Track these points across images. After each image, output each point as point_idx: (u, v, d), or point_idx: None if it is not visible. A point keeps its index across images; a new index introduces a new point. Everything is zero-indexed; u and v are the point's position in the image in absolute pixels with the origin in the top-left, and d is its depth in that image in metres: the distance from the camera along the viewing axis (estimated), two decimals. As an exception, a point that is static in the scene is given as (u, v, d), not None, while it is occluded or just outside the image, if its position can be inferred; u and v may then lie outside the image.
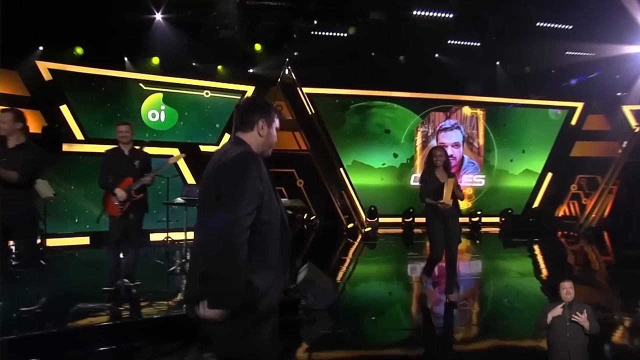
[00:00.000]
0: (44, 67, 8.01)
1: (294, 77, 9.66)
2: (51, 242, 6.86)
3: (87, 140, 8.21)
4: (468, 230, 10.61)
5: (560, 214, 11.46)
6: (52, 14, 7.43)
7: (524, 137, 11.34)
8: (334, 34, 9.89)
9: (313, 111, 10.30)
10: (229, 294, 1.77)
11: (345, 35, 9.87)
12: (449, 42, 10.27)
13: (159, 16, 8.73)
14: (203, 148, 8.90)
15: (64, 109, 8.12)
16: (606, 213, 10.80)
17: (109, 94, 8.51)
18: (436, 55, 10.34)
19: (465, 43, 10.42)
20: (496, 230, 10.67)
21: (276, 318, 2.01)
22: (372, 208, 10.35)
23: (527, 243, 9.13)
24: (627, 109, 11.05)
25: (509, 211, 10.92)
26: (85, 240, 7.29)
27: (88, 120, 8.32)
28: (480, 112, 11.19)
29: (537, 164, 11.49)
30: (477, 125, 11.19)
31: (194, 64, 9.42)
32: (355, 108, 10.62)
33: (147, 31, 8.76)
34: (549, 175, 11.53)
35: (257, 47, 9.60)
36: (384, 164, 10.76)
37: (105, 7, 7.97)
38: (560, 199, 11.45)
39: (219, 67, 9.74)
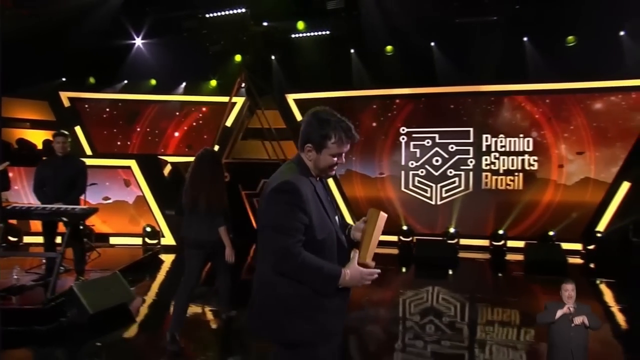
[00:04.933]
0: (65, 96, 9.90)
1: (252, 86, 9.34)
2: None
3: (95, 155, 9.72)
4: (487, 256, 8.38)
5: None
6: (71, 51, 9.15)
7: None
8: (317, 33, 9.28)
9: (301, 118, 9.78)
10: (325, 285, 1.86)
11: (328, 32, 9.15)
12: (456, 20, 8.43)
13: (139, 41, 9.73)
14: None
15: (78, 129, 9.84)
16: None
17: (112, 115, 9.93)
18: (432, 43, 8.56)
19: (478, 19, 8.36)
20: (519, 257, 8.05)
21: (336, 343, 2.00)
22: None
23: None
24: None
25: (550, 234, 8.17)
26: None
27: (95, 138, 9.88)
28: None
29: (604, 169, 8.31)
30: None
31: (184, 83, 10.10)
32: (354, 110, 9.57)
33: (143, 57, 9.89)
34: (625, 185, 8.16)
35: (237, 57, 9.71)
36: (382, 173, 9.43)
37: (106, 40, 9.38)
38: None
39: (212, 81, 10.22)
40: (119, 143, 9.76)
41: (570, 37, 8.16)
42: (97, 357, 3.88)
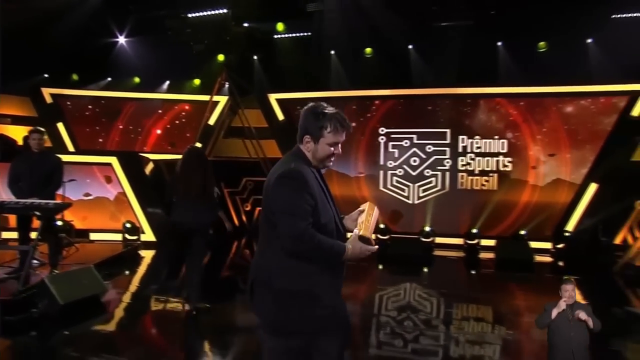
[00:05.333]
0: (47, 92, 9.92)
1: (232, 86, 9.47)
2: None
3: (78, 152, 9.76)
4: (461, 254, 8.58)
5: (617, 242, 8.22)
6: (53, 48, 9.18)
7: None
8: (299, 34, 9.44)
9: (283, 117, 9.94)
10: (334, 258, 2.04)
11: (309, 34, 9.32)
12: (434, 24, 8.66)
13: (123, 39, 9.79)
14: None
15: (60, 126, 9.87)
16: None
17: (94, 112, 9.98)
18: (409, 46, 8.78)
19: (455, 23, 8.61)
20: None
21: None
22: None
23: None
24: None
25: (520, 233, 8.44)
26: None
27: (78, 135, 9.92)
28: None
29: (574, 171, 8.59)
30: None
31: (167, 81, 10.19)
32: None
33: (127, 54, 9.96)
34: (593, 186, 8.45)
35: (220, 57, 9.83)
36: (361, 173, 9.62)
37: (90, 38, 9.45)
38: (613, 222, 8.22)
39: (196, 80, 10.32)
40: (100, 140, 9.82)
41: (541, 43, 8.43)
42: (66, 345, 3.99)
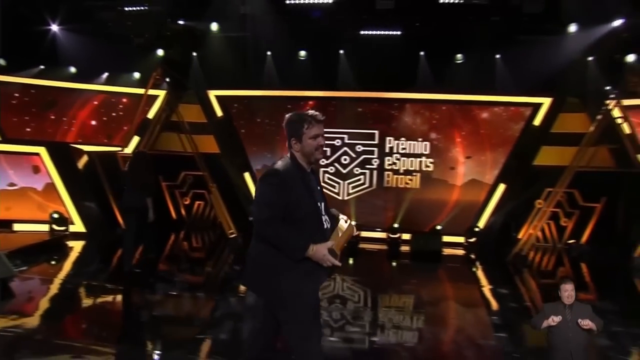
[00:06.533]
0: (-31, 77, 9.50)
1: (167, 81, 9.59)
2: None
3: (5, 141, 9.43)
4: (384, 247, 9.19)
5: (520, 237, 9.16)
6: None
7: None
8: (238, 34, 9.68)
9: (221, 113, 10.16)
10: (293, 250, 2.34)
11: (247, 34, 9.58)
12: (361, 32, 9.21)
13: (56, 27, 9.60)
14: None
15: (-15, 113, 9.50)
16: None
17: (23, 100, 9.70)
18: (340, 51, 9.31)
19: (383, 32, 9.21)
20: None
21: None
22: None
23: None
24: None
25: (437, 228, 9.19)
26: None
27: (4, 123, 9.59)
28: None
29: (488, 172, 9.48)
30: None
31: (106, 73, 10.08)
32: (269, 109, 10.11)
33: (63, 44, 9.76)
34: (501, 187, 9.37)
35: (160, 52, 9.90)
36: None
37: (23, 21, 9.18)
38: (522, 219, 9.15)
39: (135, 74, 10.29)
40: (29, 130, 9.56)
41: (458, 55, 9.24)
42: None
